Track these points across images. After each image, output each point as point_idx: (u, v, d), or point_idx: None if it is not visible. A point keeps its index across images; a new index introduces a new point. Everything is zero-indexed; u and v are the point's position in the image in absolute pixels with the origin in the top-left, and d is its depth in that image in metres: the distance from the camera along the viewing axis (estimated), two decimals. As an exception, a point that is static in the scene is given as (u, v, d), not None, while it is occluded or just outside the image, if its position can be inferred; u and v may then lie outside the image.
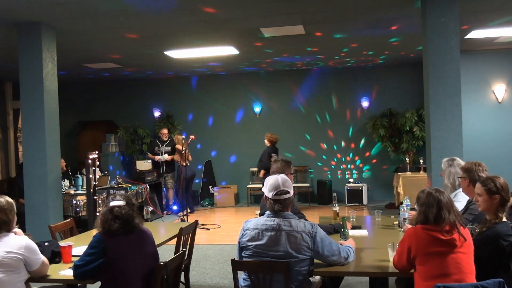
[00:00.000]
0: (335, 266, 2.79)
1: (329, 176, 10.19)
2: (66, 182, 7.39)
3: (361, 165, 10.14)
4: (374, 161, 10.08)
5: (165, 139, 9.35)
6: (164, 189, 9.34)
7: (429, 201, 2.60)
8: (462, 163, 3.90)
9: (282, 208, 2.76)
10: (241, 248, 2.84)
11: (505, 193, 2.87)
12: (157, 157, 9.09)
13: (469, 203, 3.53)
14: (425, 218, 2.58)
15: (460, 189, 3.80)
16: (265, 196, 2.83)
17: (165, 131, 9.46)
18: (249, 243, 2.77)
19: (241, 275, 2.94)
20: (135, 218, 2.84)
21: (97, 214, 2.90)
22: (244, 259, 2.82)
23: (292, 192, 2.81)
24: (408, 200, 3.98)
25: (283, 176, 2.85)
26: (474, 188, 3.05)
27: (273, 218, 2.75)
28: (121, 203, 2.84)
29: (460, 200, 3.78)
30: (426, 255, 2.53)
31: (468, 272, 2.51)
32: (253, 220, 2.85)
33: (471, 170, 3.41)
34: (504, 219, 2.89)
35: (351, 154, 10.17)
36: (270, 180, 2.80)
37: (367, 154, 10.10)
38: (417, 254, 2.55)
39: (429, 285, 2.43)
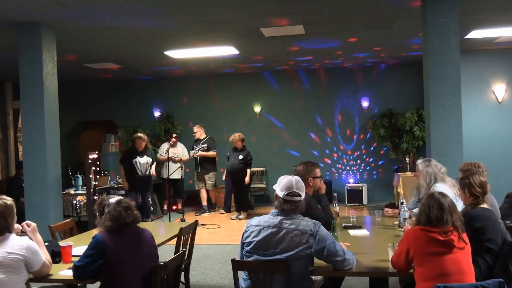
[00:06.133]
0: (338, 270, 2.74)
1: (329, 176, 10.20)
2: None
3: (361, 165, 10.15)
4: (374, 161, 10.08)
5: (196, 137, 8.94)
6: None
7: (430, 203, 2.63)
8: (438, 164, 4.08)
9: (290, 209, 2.76)
10: (242, 244, 2.86)
11: (478, 187, 3.15)
12: (192, 155, 8.72)
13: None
14: (427, 219, 2.61)
15: (436, 184, 4.01)
16: (276, 194, 2.84)
17: (195, 129, 9.02)
18: (250, 240, 2.79)
19: (241, 275, 2.94)
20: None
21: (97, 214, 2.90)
22: (244, 256, 2.83)
23: (303, 195, 2.80)
24: (404, 199, 4.00)
25: (297, 177, 2.85)
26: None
27: (276, 216, 2.77)
28: (120, 197, 2.90)
29: None
30: (425, 256, 2.54)
31: (467, 272, 2.53)
32: (257, 218, 2.87)
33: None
34: (485, 206, 3.15)
35: (351, 154, 10.18)
36: (284, 180, 2.82)
37: (367, 154, 10.11)
38: (415, 255, 2.57)
39: (429, 286, 2.44)
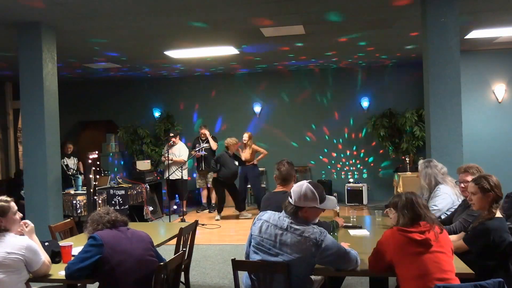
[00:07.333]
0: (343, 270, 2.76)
1: (329, 176, 10.19)
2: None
3: (361, 165, 10.14)
4: (374, 161, 10.08)
5: (203, 138, 9.14)
6: (201, 188, 9.36)
7: (407, 204, 2.69)
8: (439, 164, 4.10)
9: (296, 213, 2.75)
10: (251, 235, 2.87)
11: (498, 190, 3.02)
12: (196, 154, 8.94)
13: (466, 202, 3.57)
14: (407, 220, 2.65)
15: (440, 186, 4.03)
16: (288, 197, 2.83)
17: (203, 131, 9.19)
18: (256, 234, 2.79)
19: (244, 273, 2.94)
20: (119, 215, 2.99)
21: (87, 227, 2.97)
22: (251, 250, 2.83)
23: (310, 205, 2.74)
24: None
25: (309, 188, 2.76)
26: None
27: (285, 218, 2.75)
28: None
29: (440, 194, 3.99)
30: (404, 256, 2.58)
31: (448, 270, 2.56)
32: (269, 213, 2.85)
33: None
34: (499, 215, 3.00)
35: (351, 154, 10.17)
36: (297, 187, 2.78)
37: (367, 154, 10.11)
38: (395, 256, 2.60)
39: (412, 285, 2.50)
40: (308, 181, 2.84)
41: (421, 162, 4.29)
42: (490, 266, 2.94)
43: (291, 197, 2.78)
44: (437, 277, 2.49)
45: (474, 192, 3.07)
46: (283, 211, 2.81)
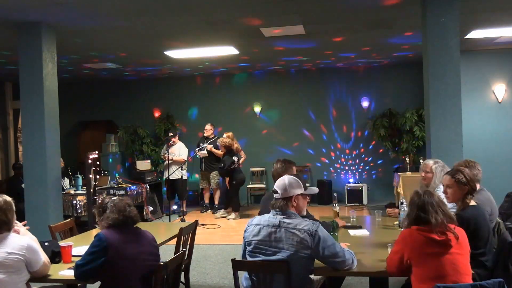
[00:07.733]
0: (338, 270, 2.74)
1: (329, 176, 10.20)
2: (66, 181, 7.39)
3: (360, 165, 10.15)
4: (374, 161, 10.08)
5: (206, 135, 8.98)
6: (203, 189, 9.29)
7: (415, 203, 2.64)
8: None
9: (285, 207, 2.78)
10: (245, 243, 2.89)
11: (473, 184, 3.12)
12: (199, 153, 8.87)
13: None
14: (414, 219, 2.61)
15: (441, 185, 3.96)
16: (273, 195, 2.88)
17: (207, 127, 9.06)
18: (251, 239, 2.81)
19: (243, 274, 2.94)
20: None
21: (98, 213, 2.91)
22: (247, 255, 2.85)
23: (297, 192, 2.82)
24: (404, 200, 4.00)
25: (291, 177, 2.88)
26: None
27: (275, 216, 2.79)
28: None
29: (439, 194, 3.93)
30: (421, 256, 2.52)
31: (464, 273, 2.50)
32: (258, 217, 2.90)
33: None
34: (473, 203, 3.09)
35: (351, 154, 10.18)
36: (280, 181, 2.86)
37: (367, 153, 10.11)
38: (412, 256, 2.55)
39: (426, 287, 2.43)
40: (284, 176, 2.91)
41: (431, 162, 4.20)
42: (490, 266, 2.95)
43: (276, 193, 2.82)
44: (452, 280, 2.43)
45: (450, 185, 3.13)
46: (271, 211, 2.84)
